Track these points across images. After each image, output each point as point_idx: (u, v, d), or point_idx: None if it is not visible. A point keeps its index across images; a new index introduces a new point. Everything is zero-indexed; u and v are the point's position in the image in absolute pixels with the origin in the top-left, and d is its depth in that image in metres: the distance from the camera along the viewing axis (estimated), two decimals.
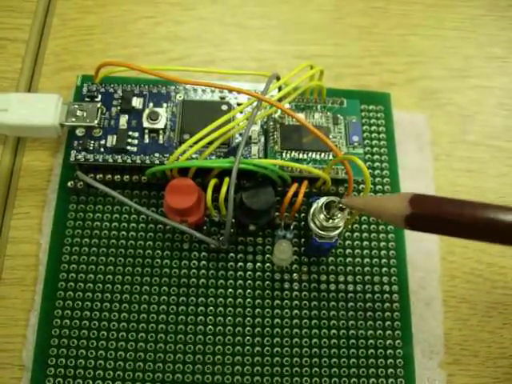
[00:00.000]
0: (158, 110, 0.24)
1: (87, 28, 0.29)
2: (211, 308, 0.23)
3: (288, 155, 0.24)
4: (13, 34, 0.29)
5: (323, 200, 0.22)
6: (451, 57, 0.30)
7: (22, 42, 0.29)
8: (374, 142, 0.26)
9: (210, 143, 0.22)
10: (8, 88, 0.28)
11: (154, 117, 0.24)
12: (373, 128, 0.27)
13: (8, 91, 0.27)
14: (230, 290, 0.23)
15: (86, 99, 0.25)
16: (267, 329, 0.23)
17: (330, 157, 0.24)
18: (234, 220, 0.23)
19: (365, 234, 0.25)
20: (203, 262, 0.24)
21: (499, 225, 0.17)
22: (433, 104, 0.28)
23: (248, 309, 0.23)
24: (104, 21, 0.30)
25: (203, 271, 0.23)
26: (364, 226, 0.25)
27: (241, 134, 0.24)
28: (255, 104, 0.23)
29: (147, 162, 0.23)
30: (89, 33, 0.29)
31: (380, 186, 0.25)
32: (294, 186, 0.23)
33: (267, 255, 0.24)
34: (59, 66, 0.28)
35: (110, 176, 0.24)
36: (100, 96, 0.25)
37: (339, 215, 0.21)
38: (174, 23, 0.30)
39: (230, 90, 0.24)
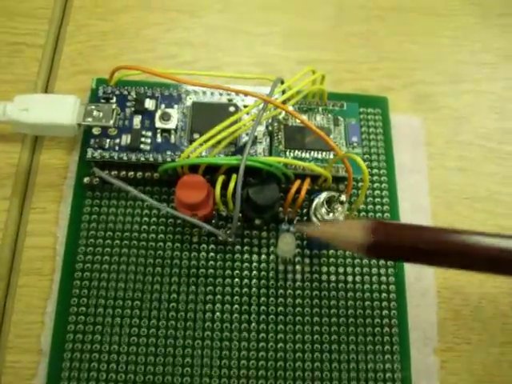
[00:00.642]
0: (169, 111, 0.25)
1: (101, 34, 0.31)
2: (219, 296, 0.24)
3: (291, 154, 0.25)
4: (30, 39, 0.30)
5: (324, 195, 0.23)
6: (445, 63, 0.31)
7: (38, 46, 0.30)
8: (372, 142, 0.28)
9: (219, 142, 0.24)
10: (26, 90, 0.29)
11: (165, 117, 0.25)
12: (371, 130, 0.28)
13: (26, 93, 0.29)
14: (237, 279, 0.25)
15: (102, 101, 0.26)
16: (271, 316, 0.24)
17: (331, 156, 0.25)
18: (240, 214, 0.25)
19: None
20: (211, 254, 0.25)
21: (455, 250, 0.17)
22: (428, 107, 0.30)
23: (253, 297, 0.24)
24: (117, 27, 0.31)
25: (211, 262, 0.25)
26: None
27: (247, 134, 0.25)
28: (261, 106, 0.24)
29: (159, 159, 0.25)
30: (102, 38, 0.31)
31: (378, 184, 0.27)
32: (297, 183, 0.25)
33: (271, 248, 0.25)
34: (74, 70, 0.30)
35: (123, 173, 0.26)
36: (115, 98, 0.26)
37: (339, 209, 0.23)
38: (182, 30, 0.31)
39: (237, 93, 0.26)
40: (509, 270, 0.18)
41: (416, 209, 0.27)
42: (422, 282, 0.26)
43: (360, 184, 0.27)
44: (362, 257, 0.25)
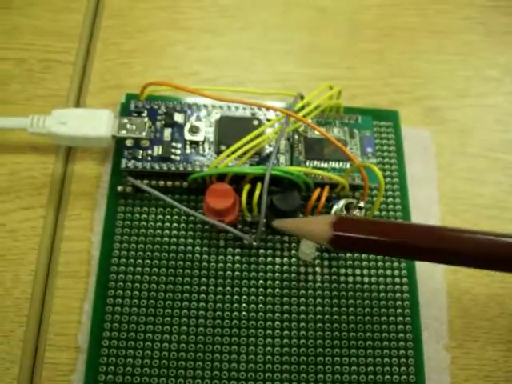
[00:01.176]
0: (197, 124, 0.27)
1: (128, 51, 0.33)
2: (245, 297, 0.26)
3: (311, 164, 0.27)
4: (62, 56, 0.32)
5: (343, 202, 0.25)
6: (452, 78, 0.33)
7: (70, 63, 0.32)
8: (385, 153, 0.30)
9: (244, 153, 0.26)
10: (58, 104, 0.31)
11: (194, 130, 0.27)
12: (384, 141, 0.30)
13: (58, 107, 0.30)
14: (261, 281, 0.26)
15: (134, 114, 0.28)
16: (294, 314, 0.26)
17: (348, 166, 0.27)
18: (264, 220, 0.27)
19: None
20: (237, 257, 0.27)
21: (410, 243, 0.19)
22: (436, 120, 0.32)
23: (277, 297, 0.26)
24: (143, 45, 0.33)
25: (237, 265, 0.27)
26: None
27: (270, 146, 0.27)
28: (284, 120, 0.26)
29: (189, 169, 0.27)
30: (130, 56, 0.33)
31: (391, 192, 0.29)
32: (317, 191, 0.26)
33: (293, 251, 0.27)
34: (104, 85, 0.32)
35: (154, 182, 0.27)
36: (146, 112, 0.28)
37: (357, 215, 0.25)
38: (205, 48, 0.33)
39: (260, 108, 0.28)
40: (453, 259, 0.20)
41: (426, 216, 0.29)
42: (433, 283, 0.28)
43: (374, 192, 0.29)
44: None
